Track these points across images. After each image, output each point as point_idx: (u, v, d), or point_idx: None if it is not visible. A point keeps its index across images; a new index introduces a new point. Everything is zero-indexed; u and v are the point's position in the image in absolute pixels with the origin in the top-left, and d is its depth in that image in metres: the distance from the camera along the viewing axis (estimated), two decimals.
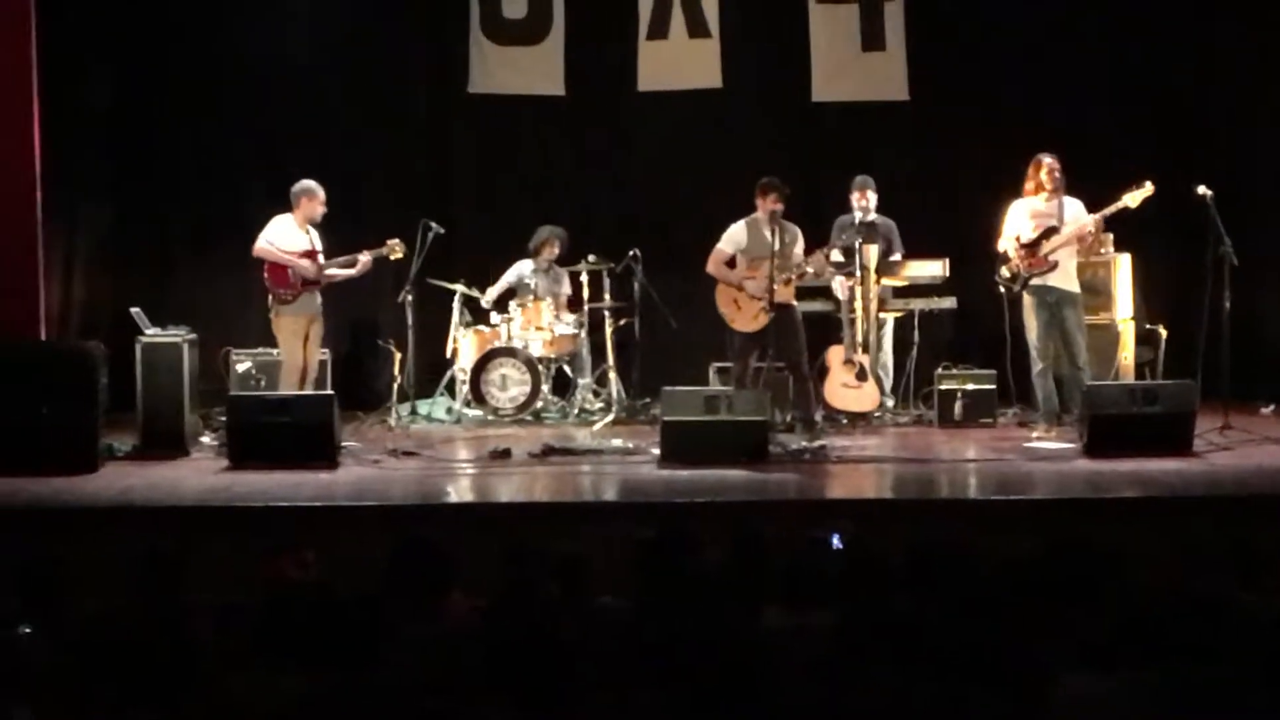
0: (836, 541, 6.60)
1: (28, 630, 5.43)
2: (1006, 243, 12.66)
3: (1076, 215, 12.54)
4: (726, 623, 5.21)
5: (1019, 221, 12.66)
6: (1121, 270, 14.17)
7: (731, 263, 12.83)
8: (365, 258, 13.39)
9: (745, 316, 12.69)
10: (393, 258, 13.57)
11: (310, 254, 13.15)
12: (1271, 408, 13.82)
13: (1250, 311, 13.43)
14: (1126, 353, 14.07)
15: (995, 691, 4.17)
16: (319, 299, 13.25)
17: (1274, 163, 15.01)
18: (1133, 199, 12.31)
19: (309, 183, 13.20)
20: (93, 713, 4.74)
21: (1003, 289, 12.73)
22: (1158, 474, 10.78)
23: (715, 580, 5.98)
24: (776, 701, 4.34)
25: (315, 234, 13.28)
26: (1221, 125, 15.02)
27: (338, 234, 13.72)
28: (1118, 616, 4.85)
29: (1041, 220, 12.59)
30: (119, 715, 4.70)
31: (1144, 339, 14.26)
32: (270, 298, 13.12)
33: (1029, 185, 12.69)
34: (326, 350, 14.00)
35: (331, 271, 13.30)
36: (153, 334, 12.55)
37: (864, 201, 13.91)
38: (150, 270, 15.17)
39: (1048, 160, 12.63)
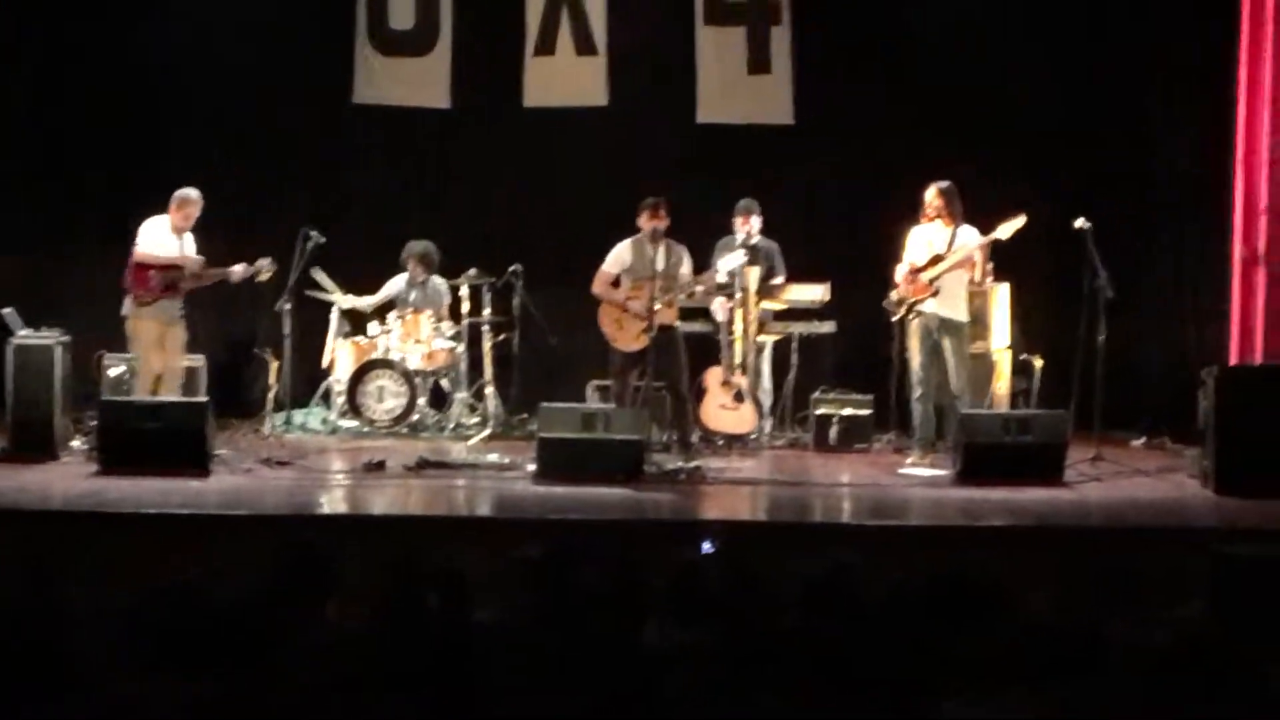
0: (707, 546, 6.60)
1: None
2: (902, 268, 12.73)
3: (963, 243, 12.62)
4: (604, 640, 5.19)
5: (913, 248, 12.73)
6: (999, 300, 14.27)
7: (617, 282, 12.82)
8: (239, 272, 13.28)
9: (627, 336, 12.68)
10: (260, 278, 13.41)
11: (178, 261, 12.99)
12: (1143, 440, 13.99)
13: (1125, 344, 13.57)
14: (1002, 382, 14.17)
15: (873, 715, 4.19)
16: (180, 305, 13.08)
17: (1154, 197, 15.19)
18: (1004, 231, 12.40)
19: (185, 191, 13.05)
20: None
21: (889, 314, 12.79)
22: (1028, 503, 10.89)
23: (592, 597, 5.95)
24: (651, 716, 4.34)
25: (190, 239, 13.13)
26: (1105, 158, 15.16)
27: (218, 241, 13.61)
28: (992, 642, 4.89)
29: (931, 247, 12.66)
30: None
31: (1020, 369, 14.38)
32: (128, 299, 12.95)
33: (924, 211, 12.76)
34: (201, 357, 13.89)
35: (196, 274, 13.14)
36: (24, 335, 12.41)
37: (747, 226, 13.93)
38: (23, 271, 14.94)
39: (928, 193, 12.69)
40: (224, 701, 4.40)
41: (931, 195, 12.67)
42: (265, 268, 13.30)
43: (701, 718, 4.32)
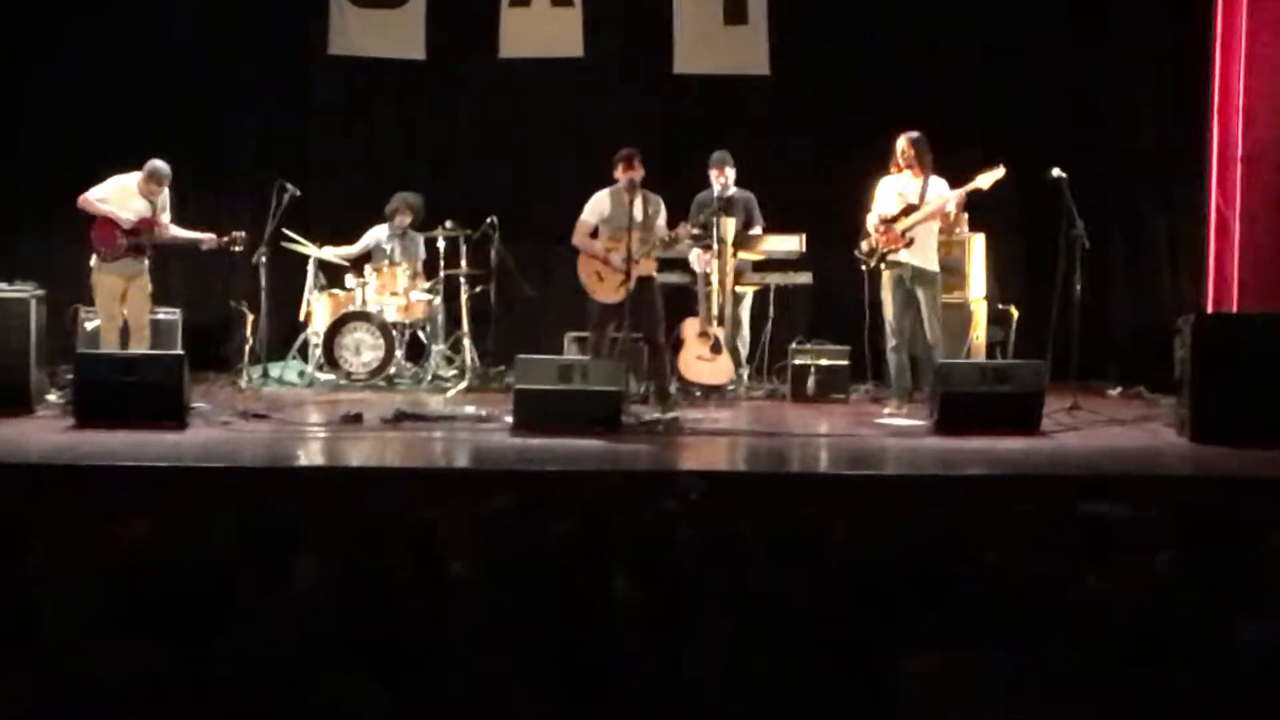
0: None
1: None
2: (871, 219, 12.73)
3: (938, 194, 12.63)
4: (576, 593, 5.20)
5: (883, 198, 12.74)
6: (976, 250, 14.30)
7: (595, 234, 12.80)
8: (209, 241, 13.27)
9: (607, 287, 12.66)
10: (234, 249, 13.42)
11: (144, 221, 12.97)
12: (1119, 389, 14.02)
13: (1102, 294, 13.60)
14: (978, 332, 14.21)
15: (838, 670, 4.19)
16: (146, 261, 13.07)
17: (1130, 146, 15.19)
18: (984, 180, 12.44)
19: (154, 166, 13.01)
20: None
21: (861, 264, 12.79)
22: (1005, 452, 10.90)
23: (565, 550, 5.95)
24: (622, 670, 4.34)
25: (166, 195, 13.10)
26: (1080, 108, 15.15)
27: (196, 193, 13.59)
28: (965, 596, 4.89)
29: (904, 198, 12.66)
30: None
31: (996, 319, 14.40)
32: (93, 254, 12.95)
33: (893, 163, 12.76)
34: (176, 310, 13.87)
35: (175, 233, 13.15)
36: None
37: (722, 178, 13.93)
38: None
39: (901, 142, 12.69)
40: (187, 661, 4.39)
41: (903, 145, 12.67)
42: (239, 241, 13.30)
43: (665, 671, 4.32)
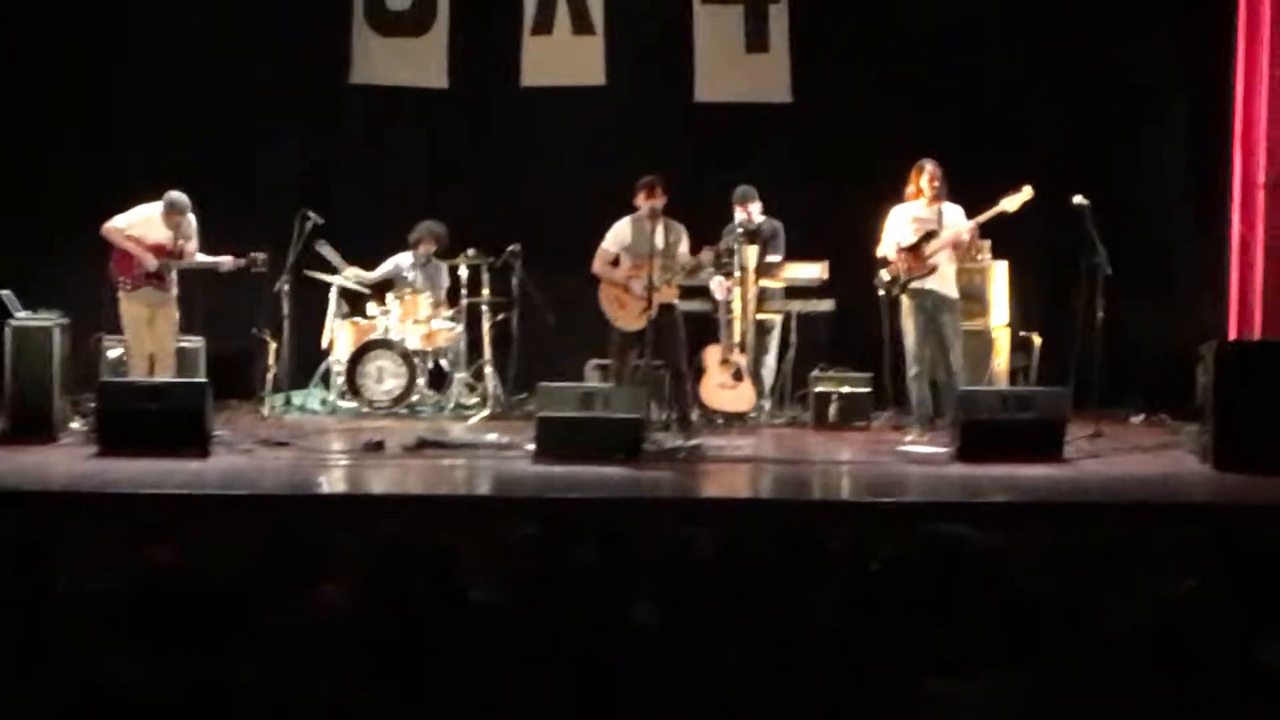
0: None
1: None
2: (886, 248, 12.73)
3: (955, 221, 12.63)
4: (598, 619, 5.20)
5: (899, 226, 12.73)
6: (998, 277, 14.28)
7: (616, 261, 12.82)
8: (228, 264, 13.31)
9: (628, 315, 12.69)
10: (255, 269, 13.45)
11: (161, 249, 13.01)
12: (1142, 416, 13.97)
13: (1124, 321, 13.57)
14: (1001, 359, 14.18)
15: (855, 691, 4.19)
16: (172, 290, 13.11)
17: (1152, 174, 15.17)
18: (1010, 203, 12.43)
19: (172, 199, 13.05)
20: None
21: (882, 292, 12.79)
22: (1028, 480, 10.89)
23: (587, 577, 5.96)
24: (644, 695, 4.34)
25: (191, 220, 13.15)
26: (1102, 136, 15.14)
27: (219, 222, 13.62)
28: (985, 621, 4.89)
29: (921, 225, 12.66)
30: None
31: (1019, 346, 14.37)
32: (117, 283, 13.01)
33: (909, 190, 12.77)
34: (199, 338, 13.91)
35: (199, 260, 13.19)
36: (23, 318, 12.43)
37: (744, 214, 13.92)
38: (22, 253, 14.94)
39: (929, 167, 12.70)
40: (210, 682, 4.41)
41: (930, 170, 12.65)
42: (260, 261, 13.33)
43: (688, 695, 4.33)
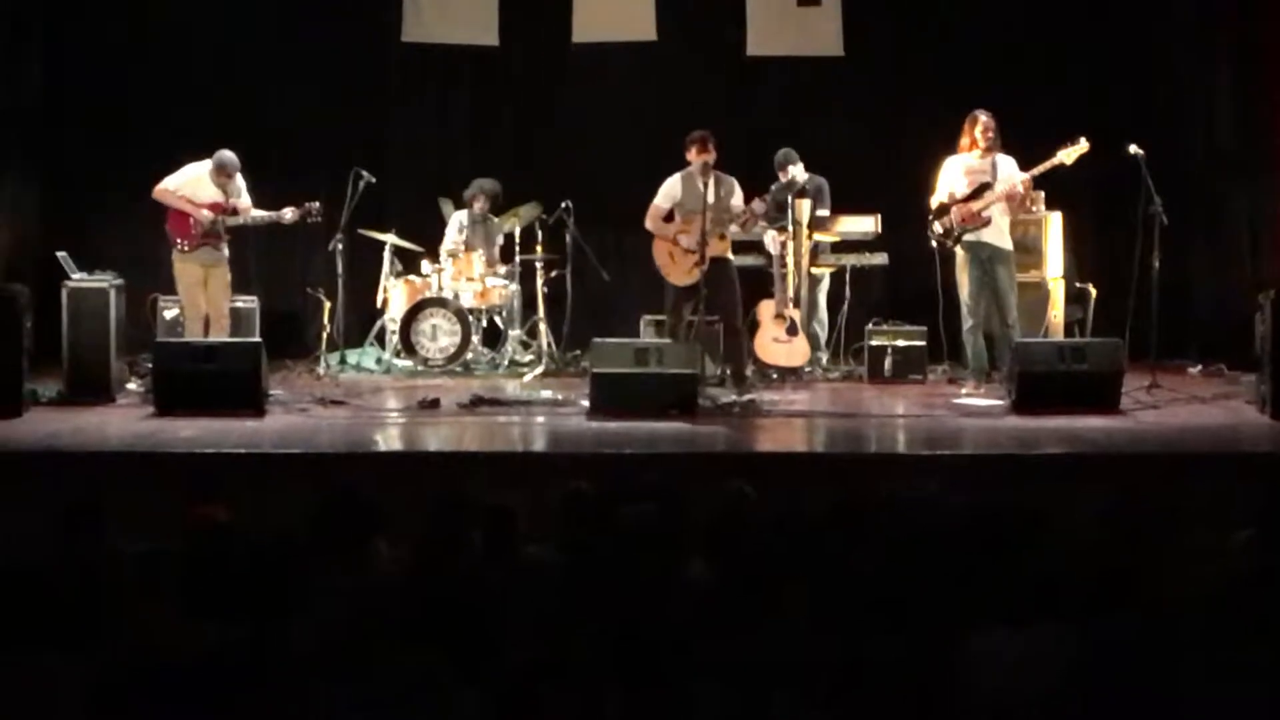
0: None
1: None
2: (940, 199, 12.66)
3: (1010, 173, 12.54)
4: (650, 575, 5.21)
5: (953, 178, 12.65)
6: (1053, 229, 14.20)
7: (670, 217, 12.80)
8: (290, 215, 13.30)
9: (680, 270, 12.66)
10: (309, 220, 13.44)
11: (214, 206, 13.02)
12: (1199, 367, 13.89)
13: (1180, 271, 13.49)
14: (1056, 311, 14.11)
15: (903, 646, 4.19)
16: (225, 250, 13.13)
17: (1206, 122, 15.07)
18: (1067, 156, 12.32)
19: (221, 157, 13.03)
20: (14, 658, 4.70)
21: (935, 245, 12.73)
22: (1084, 431, 10.83)
23: (641, 532, 5.96)
24: (696, 651, 4.34)
25: (240, 181, 13.16)
26: (1157, 83, 15.04)
27: (272, 183, 13.66)
28: (1037, 574, 4.87)
29: (975, 177, 12.57)
30: (41, 659, 4.66)
31: (1074, 297, 14.30)
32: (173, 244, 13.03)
33: (963, 141, 12.68)
34: (254, 298, 13.95)
35: (256, 215, 13.19)
36: (79, 279, 12.46)
37: (787, 177, 13.87)
38: (79, 214, 15.03)
39: (983, 118, 12.61)
40: (263, 639, 4.43)
41: (984, 121, 12.56)
42: (315, 211, 13.32)
43: (740, 648, 4.33)
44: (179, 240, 12.95)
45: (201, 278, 13.01)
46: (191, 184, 13.01)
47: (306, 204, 13.29)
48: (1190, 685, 4.12)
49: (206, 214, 12.94)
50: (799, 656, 4.22)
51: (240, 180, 13.16)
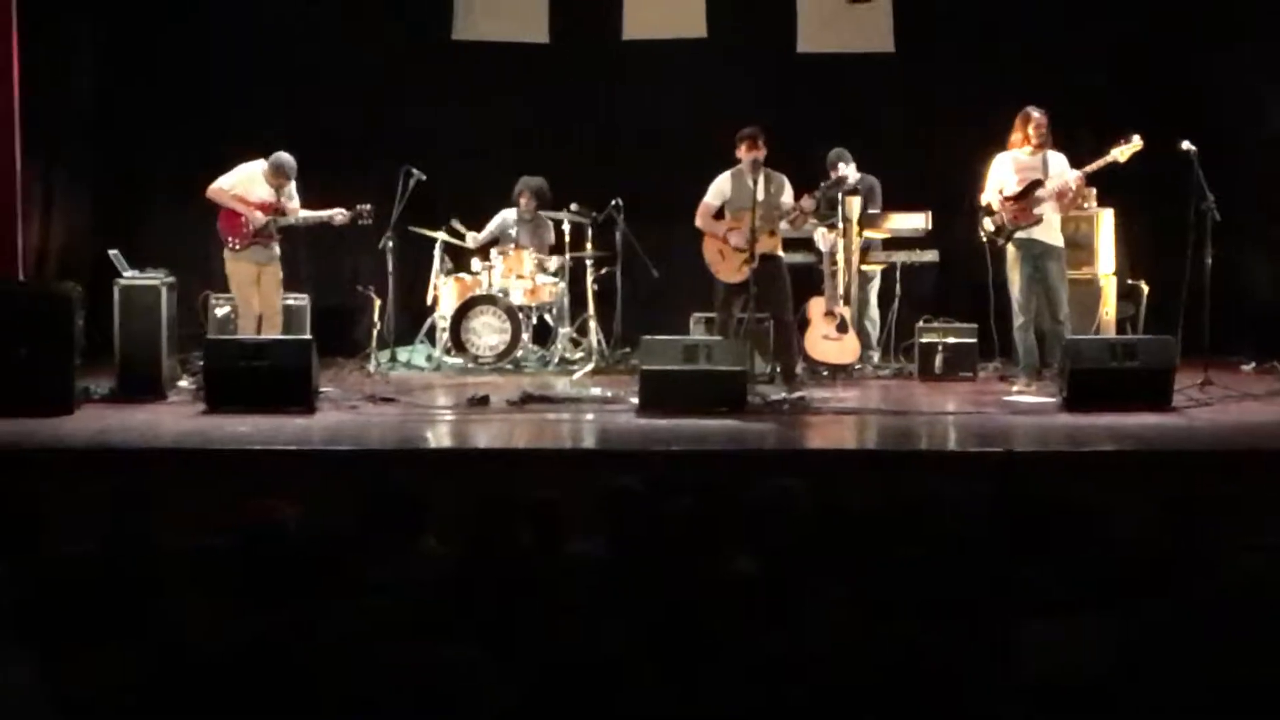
0: None
1: None
2: (990, 196, 12.62)
3: (1061, 170, 12.49)
4: (697, 572, 5.20)
5: (1003, 174, 12.61)
6: (1104, 225, 14.15)
7: (720, 214, 12.80)
8: (341, 216, 13.34)
9: (729, 267, 12.66)
10: (361, 222, 13.48)
11: (264, 206, 13.06)
12: (1252, 365, 13.80)
13: (1234, 268, 13.40)
14: (1108, 308, 14.06)
15: (956, 635, 4.17)
16: (276, 248, 13.17)
17: (1259, 119, 14.97)
18: (1121, 154, 12.26)
19: (279, 160, 13.09)
20: (64, 650, 4.72)
21: (986, 242, 12.69)
22: (1136, 429, 10.77)
23: (689, 528, 5.95)
24: (746, 646, 4.33)
25: (293, 187, 13.23)
26: (1209, 80, 14.96)
27: (321, 181, 13.69)
28: (1090, 568, 4.85)
29: (1026, 174, 12.53)
30: (90, 653, 4.68)
31: (1126, 294, 14.24)
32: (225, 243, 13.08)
33: (1014, 138, 12.64)
34: (304, 296, 13.99)
35: (305, 215, 13.23)
36: (131, 276, 12.51)
37: (838, 175, 13.82)
38: (131, 212, 15.11)
39: (1035, 114, 12.56)
40: (309, 633, 4.44)
41: (1037, 118, 12.52)
42: (366, 213, 13.36)
43: (786, 647, 4.31)
44: (231, 239, 13.02)
45: (254, 276, 13.07)
46: (245, 183, 13.07)
47: (358, 206, 13.34)
48: (1231, 676, 4.11)
49: (259, 214, 13.00)
50: (844, 650, 4.20)
51: (293, 183, 13.21)
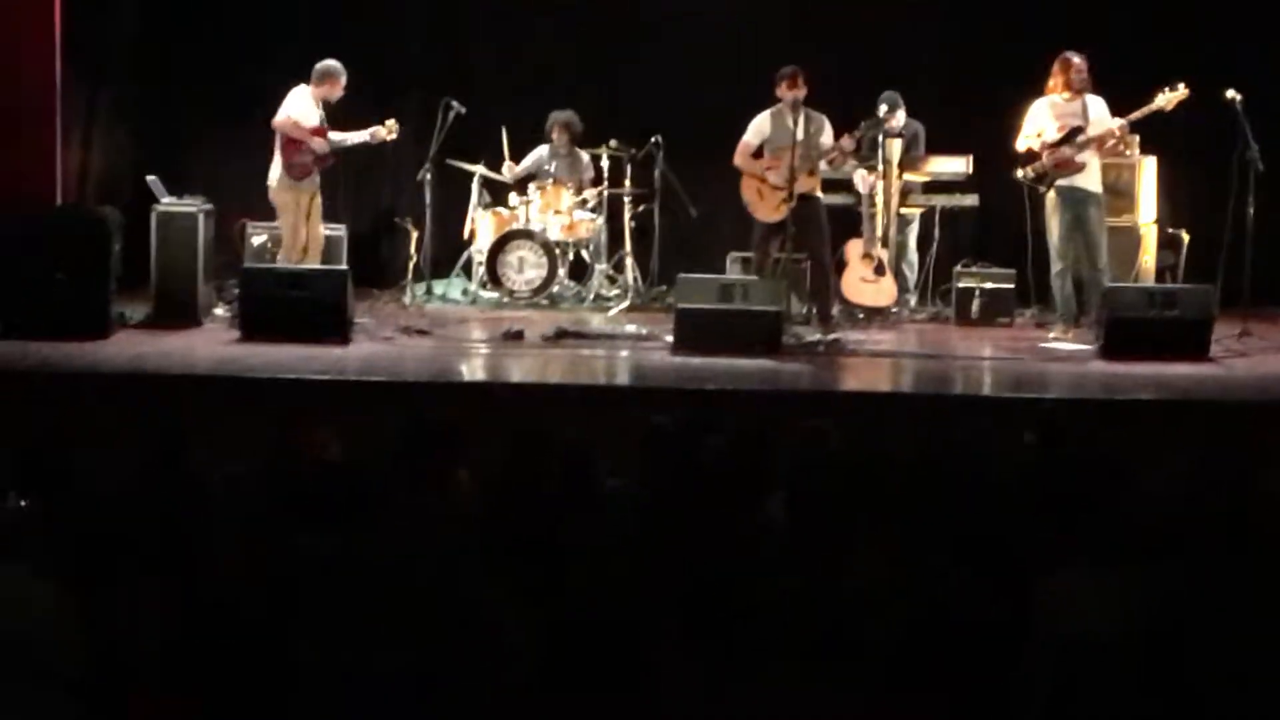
0: None
1: (23, 503, 5.37)
2: (1028, 141, 12.49)
3: (1101, 115, 12.38)
4: (729, 512, 5.19)
5: (1042, 121, 12.48)
6: (1146, 173, 14.02)
7: (759, 153, 12.75)
8: (380, 133, 13.26)
9: (767, 206, 12.63)
10: (389, 137, 13.37)
11: (320, 131, 13.01)
12: None
13: (1276, 218, 13.29)
14: (1148, 256, 13.94)
15: (978, 582, 4.17)
16: (318, 175, 13.13)
17: None
18: (1166, 101, 12.13)
19: (333, 64, 13.04)
20: (106, 577, 4.75)
21: (1027, 189, 12.58)
22: (1173, 378, 10.74)
23: (721, 468, 5.95)
24: (775, 586, 4.34)
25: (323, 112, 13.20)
26: (1254, 27, 14.79)
27: (359, 112, 13.64)
28: (1120, 518, 4.83)
29: (1066, 120, 12.41)
30: (132, 579, 4.71)
31: (1166, 243, 14.12)
32: (279, 171, 12.93)
33: (1052, 83, 12.50)
34: (342, 227, 13.94)
35: (339, 138, 13.15)
36: (168, 203, 12.53)
37: (893, 121, 13.72)
38: (170, 138, 15.07)
39: (1076, 59, 12.42)
40: (351, 556, 4.46)
41: (1077, 63, 12.38)
42: (392, 127, 13.26)
43: (814, 590, 4.31)
44: (293, 163, 12.89)
45: (306, 205, 12.99)
46: (302, 111, 12.98)
47: (387, 122, 13.22)
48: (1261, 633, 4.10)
49: (321, 141, 12.93)
50: (876, 596, 4.21)
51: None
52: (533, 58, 15.60)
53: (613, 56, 15.63)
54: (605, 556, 4.66)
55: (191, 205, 12.47)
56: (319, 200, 13.11)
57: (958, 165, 14.06)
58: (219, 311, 12.74)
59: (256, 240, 13.84)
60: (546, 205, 14.29)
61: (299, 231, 12.98)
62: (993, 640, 4.11)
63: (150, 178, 12.85)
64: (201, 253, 12.38)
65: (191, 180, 13.43)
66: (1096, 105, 12.40)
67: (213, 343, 11.52)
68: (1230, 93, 12.10)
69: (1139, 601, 4.22)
